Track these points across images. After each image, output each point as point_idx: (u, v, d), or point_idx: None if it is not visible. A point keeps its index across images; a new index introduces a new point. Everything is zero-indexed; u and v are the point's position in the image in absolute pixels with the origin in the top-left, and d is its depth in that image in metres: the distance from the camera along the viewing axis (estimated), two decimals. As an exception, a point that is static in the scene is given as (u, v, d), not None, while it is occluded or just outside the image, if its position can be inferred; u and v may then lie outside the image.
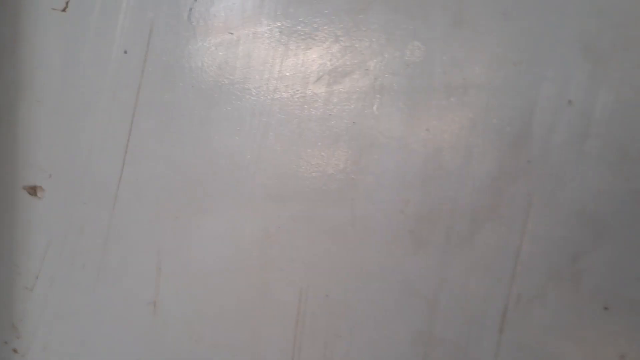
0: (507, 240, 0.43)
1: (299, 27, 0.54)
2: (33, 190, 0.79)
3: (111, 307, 0.69)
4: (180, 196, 0.62)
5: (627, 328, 0.39)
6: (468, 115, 0.45)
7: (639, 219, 0.38)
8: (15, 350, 0.79)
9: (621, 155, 0.39)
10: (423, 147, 0.47)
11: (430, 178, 0.46)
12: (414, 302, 0.48)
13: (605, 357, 0.40)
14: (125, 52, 0.69)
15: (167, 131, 0.63)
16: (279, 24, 0.55)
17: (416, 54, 0.47)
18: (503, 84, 0.43)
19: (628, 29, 0.39)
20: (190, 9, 0.62)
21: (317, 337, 0.54)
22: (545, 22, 0.42)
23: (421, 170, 0.47)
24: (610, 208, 0.39)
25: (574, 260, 0.40)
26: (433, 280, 0.47)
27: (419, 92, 0.47)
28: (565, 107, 0.40)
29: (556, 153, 0.41)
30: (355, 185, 0.51)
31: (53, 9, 0.76)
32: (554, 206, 0.41)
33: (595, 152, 0.39)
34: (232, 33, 0.58)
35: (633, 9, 0.39)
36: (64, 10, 0.75)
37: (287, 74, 0.55)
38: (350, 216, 0.51)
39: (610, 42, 0.39)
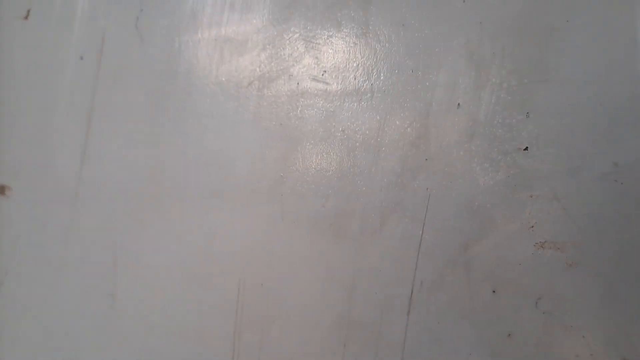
0: (411, 230, 0.49)
1: (232, 36, 0.59)
2: (1, 189, 0.84)
3: (74, 299, 0.75)
4: (134, 194, 0.67)
5: (512, 309, 0.45)
6: (376, 117, 0.50)
7: (518, 210, 0.44)
8: (-10, 342, 0.85)
9: (501, 152, 0.44)
10: (339, 146, 0.52)
11: (345, 175, 0.52)
12: (335, 288, 0.54)
13: (495, 335, 0.45)
14: (81, 57, 0.74)
15: (120, 132, 0.68)
16: (214, 33, 0.60)
17: (331, 61, 0.52)
18: (404, 89, 0.48)
19: (504, 38, 0.44)
20: (137, 18, 0.67)
21: (254, 323, 0.59)
22: (437, 32, 0.47)
23: (338, 168, 0.52)
24: (493, 200, 0.45)
25: (465, 249, 0.46)
26: (350, 268, 0.52)
27: (334, 96, 0.52)
28: (455, 109, 0.45)
29: (449, 151, 0.46)
30: (284, 182, 0.56)
31: (16, 17, 0.81)
32: (448, 199, 0.46)
33: (480, 150, 0.45)
34: (174, 40, 0.64)
35: (507, 21, 0.44)
36: (25, 18, 0.80)
37: (223, 79, 0.60)
38: (280, 211, 0.57)
39: (490, 50, 0.44)
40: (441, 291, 0.49)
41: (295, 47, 0.55)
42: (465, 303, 0.47)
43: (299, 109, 0.56)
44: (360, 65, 0.51)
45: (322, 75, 0.54)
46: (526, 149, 0.43)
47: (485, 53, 0.45)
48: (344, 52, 0.52)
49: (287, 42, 0.56)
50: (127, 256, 0.69)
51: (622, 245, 0.41)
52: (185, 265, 0.64)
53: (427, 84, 0.48)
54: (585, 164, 0.42)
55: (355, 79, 0.52)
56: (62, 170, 0.75)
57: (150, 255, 0.67)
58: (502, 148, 0.45)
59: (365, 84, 0.51)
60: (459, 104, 0.46)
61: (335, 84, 0.53)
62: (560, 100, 0.42)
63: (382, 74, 0.50)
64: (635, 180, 0.40)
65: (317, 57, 0.54)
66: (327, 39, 0.53)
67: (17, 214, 0.79)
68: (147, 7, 0.67)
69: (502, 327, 0.46)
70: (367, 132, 0.51)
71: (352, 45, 0.52)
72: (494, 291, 0.46)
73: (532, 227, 0.43)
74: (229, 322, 0.61)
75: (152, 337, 0.68)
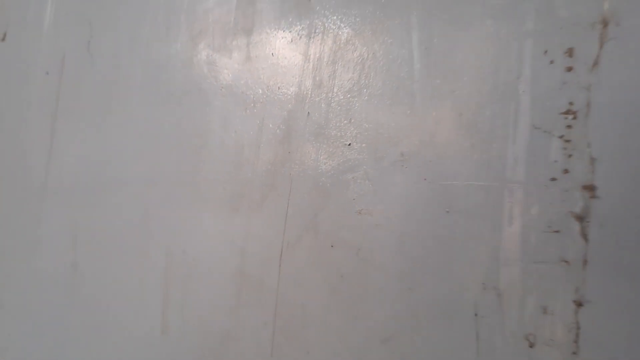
0: (281, 205, 0.68)
1: (158, 58, 0.78)
2: (-16, 182, 1.02)
3: (43, 270, 0.93)
4: (89, 182, 0.86)
5: (343, 258, 0.64)
6: (257, 122, 0.69)
7: (345, 188, 0.63)
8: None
9: (335, 147, 0.63)
10: (233, 144, 0.71)
11: (238, 166, 0.71)
12: (232, 250, 0.73)
13: (333, 277, 0.65)
14: (47, 73, 0.93)
15: (78, 133, 0.87)
16: (146, 55, 0.79)
17: (227, 79, 0.72)
18: (273, 101, 0.68)
19: (334, 65, 0.63)
20: (89, 42, 0.86)
21: (178, 281, 0.78)
22: (291, 60, 0.66)
23: (233, 161, 0.71)
24: (330, 181, 0.64)
25: (314, 217, 0.65)
26: (243, 234, 0.71)
27: (230, 106, 0.72)
28: (306, 117, 0.65)
29: (303, 147, 0.65)
30: (198, 172, 0.75)
31: (-5, 40, 0.99)
32: (303, 181, 0.66)
33: (322, 146, 0.64)
34: (117, 60, 0.82)
35: (337, 52, 0.63)
36: (3, 39, 0.98)
37: (153, 91, 0.79)
38: (196, 194, 0.75)
39: (327, 73, 0.63)
40: (300, 249, 0.68)
41: (201, 69, 0.74)
42: (315, 256, 0.67)
43: (207, 116, 0.75)
44: (246, 82, 0.71)
45: (221, 90, 0.73)
46: (350, 144, 0.63)
47: (324, 75, 0.64)
48: (235, 72, 0.71)
49: (196, 64, 0.75)
50: (85, 233, 0.88)
51: (409, 209, 0.60)
52: (127, 239, 0.83)
53: (288, 97, 0.67)
54: (385, 155, 0.61)
55: (242, 93, 0.71)
56: (34, 165, 0.93)
57: (103, 232, 0.86)
58: (335, 144, 0.64)
59: (249, 97, 0.71)
60: (308, 113, 0.65)
61: (230, 97, 0.72)
62: (367, 109, 0.62)
63: (259, 89, 0.69)
64: (413, 164, 0.60)
65: (216, 77, 0.73)
66: (225, 63, 0.72)
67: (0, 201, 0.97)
68: (95, 34, 0.86)
69: (337, 270, 0.65)
70: (251, 132, 0.71)
71: (240, 67, 0.71)
72: (332, 246, 0.65)
73: (354, 199, 0.63)
74: (160, 281, 0.80)
75: (103, 296, 0.87)
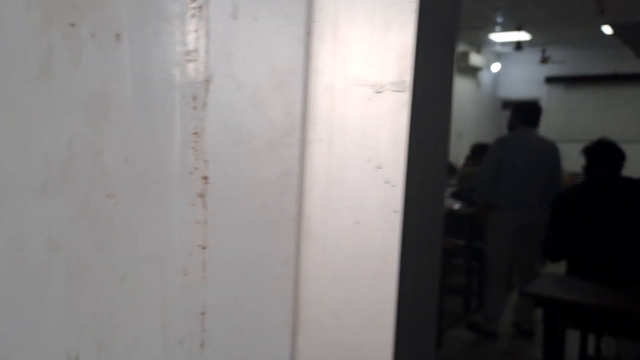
0: (79, 187, 1.04)
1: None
2: None
3: None
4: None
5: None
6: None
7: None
8: None
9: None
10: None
11: (44, 168, 1.07)
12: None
13: (99, 225, 1.01)
14: None
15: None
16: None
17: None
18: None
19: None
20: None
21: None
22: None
23: (42, 167, 1.08)
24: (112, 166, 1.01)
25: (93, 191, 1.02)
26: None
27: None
28: (108, 133, 1.02)
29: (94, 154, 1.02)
30: (25, 175, 1.11)
31: None
32: (89, 176, 1.02)
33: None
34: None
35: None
36: None
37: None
38: (20, 185, 1.11)
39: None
40: (103, 211, 1.04)
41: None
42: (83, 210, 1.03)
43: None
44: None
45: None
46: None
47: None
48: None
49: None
50: None
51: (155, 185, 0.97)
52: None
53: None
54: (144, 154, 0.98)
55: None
56: None
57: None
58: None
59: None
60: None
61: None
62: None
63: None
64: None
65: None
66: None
67: None
68: None
69: (108, 222, 1.01)
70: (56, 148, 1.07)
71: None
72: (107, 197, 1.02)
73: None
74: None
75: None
